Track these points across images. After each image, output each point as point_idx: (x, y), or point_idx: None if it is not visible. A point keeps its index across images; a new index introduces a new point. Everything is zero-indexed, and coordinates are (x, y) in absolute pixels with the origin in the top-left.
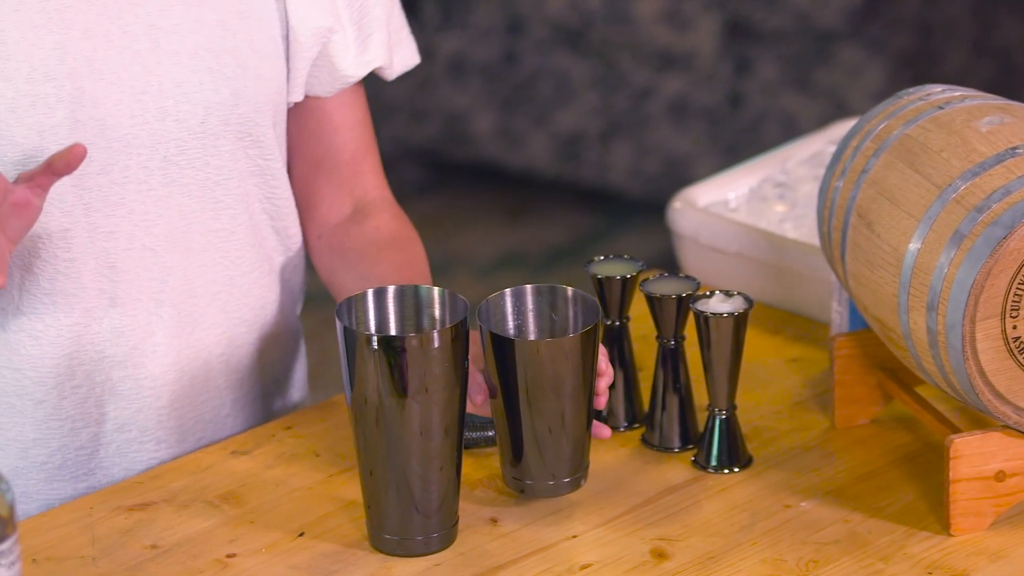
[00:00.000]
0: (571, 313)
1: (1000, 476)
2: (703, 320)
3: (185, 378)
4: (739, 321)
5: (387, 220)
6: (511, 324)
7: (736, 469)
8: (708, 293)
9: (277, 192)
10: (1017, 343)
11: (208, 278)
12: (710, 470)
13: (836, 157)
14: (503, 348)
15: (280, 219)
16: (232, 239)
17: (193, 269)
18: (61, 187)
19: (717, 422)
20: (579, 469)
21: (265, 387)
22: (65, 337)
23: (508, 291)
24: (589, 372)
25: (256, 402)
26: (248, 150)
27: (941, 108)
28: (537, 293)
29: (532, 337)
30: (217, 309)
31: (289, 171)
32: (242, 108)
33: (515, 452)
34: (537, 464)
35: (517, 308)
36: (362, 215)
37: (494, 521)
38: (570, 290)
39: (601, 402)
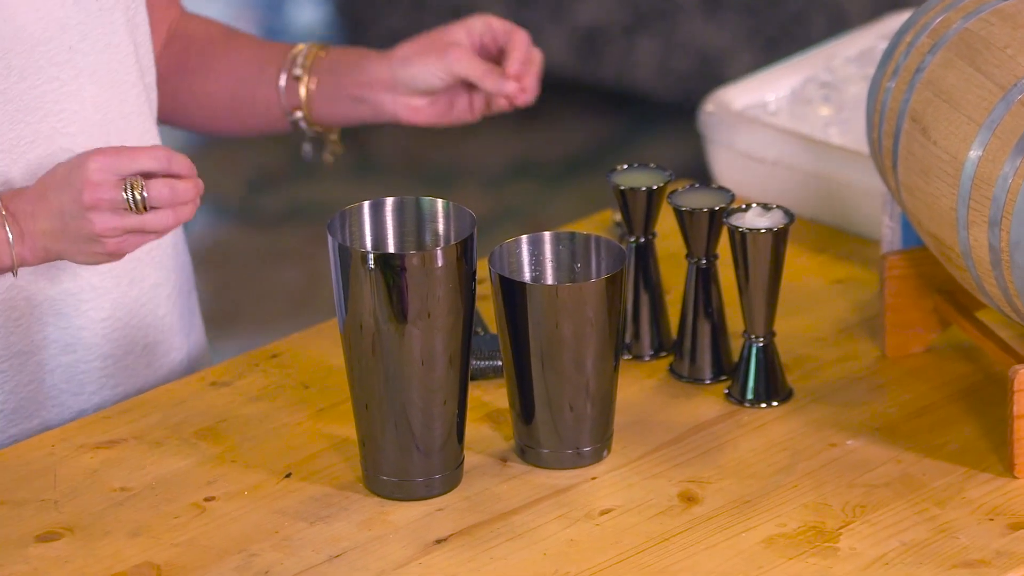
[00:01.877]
0: (594, 262)
1: None
2: (738, 236)
3: (124, 283)
4: (778, 237)
5: (194, 27)
6: (527, 274)
7: (775, 403)
8: (744, 206)
9: (149, 60)
10: None
11: None
12: (746, 404)
13: (888, 54)
14: (515, 295)
15: (150, 86)
16: (140, 121)
17: None
18: None
19: (753, 351)
20: (602, 438)
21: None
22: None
23: (524, 238)
24: (615, 324)
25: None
26: (132, 19)
27: None
28: (556, 240)
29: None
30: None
31: None
32: None
33: (526, 417)
34: (551, 432)
35: (534, 256)
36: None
37: (503, 461)
38: (593, 236)
39: (517, 95)
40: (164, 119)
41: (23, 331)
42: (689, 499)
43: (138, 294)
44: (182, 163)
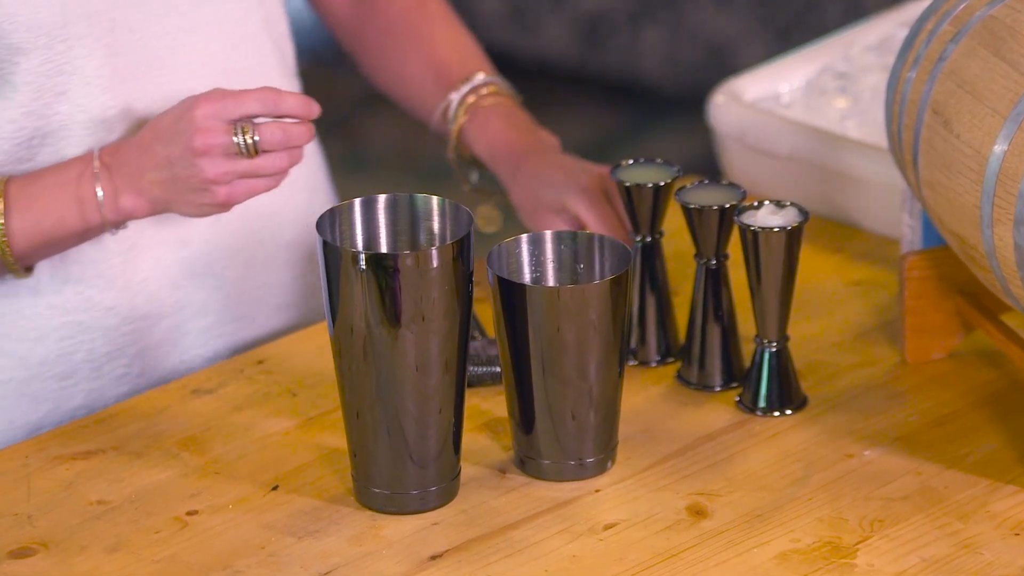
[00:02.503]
0: (597, 262)
1: None
2: (750, 235)
3: (252, 242)
4: (792, 236)
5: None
6: (528, 276)
7: (788, 411)
8: (756, 204)
9: (279, 11)
10: None
11: None
12: (757, 412)
13: (908, 43)
14: (515, 297)
15: (281, 36)
16: (265, 75)
17: None
18: (96, 62)
19: (766, 356)
20: (606, 449)
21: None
22: (126, 229)
23: (524, 237)
24: (620, 328)
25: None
26: None
27: None
28: (558, 239)
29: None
30: None
31: None
32: None
33: (526, 426)
34: (553, 441)
35: (535, 256)
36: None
37: (502, 473)
38: (596, 235)
39: None
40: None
41: (149, 294)
42: (698, 513)
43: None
44: (292, 104)
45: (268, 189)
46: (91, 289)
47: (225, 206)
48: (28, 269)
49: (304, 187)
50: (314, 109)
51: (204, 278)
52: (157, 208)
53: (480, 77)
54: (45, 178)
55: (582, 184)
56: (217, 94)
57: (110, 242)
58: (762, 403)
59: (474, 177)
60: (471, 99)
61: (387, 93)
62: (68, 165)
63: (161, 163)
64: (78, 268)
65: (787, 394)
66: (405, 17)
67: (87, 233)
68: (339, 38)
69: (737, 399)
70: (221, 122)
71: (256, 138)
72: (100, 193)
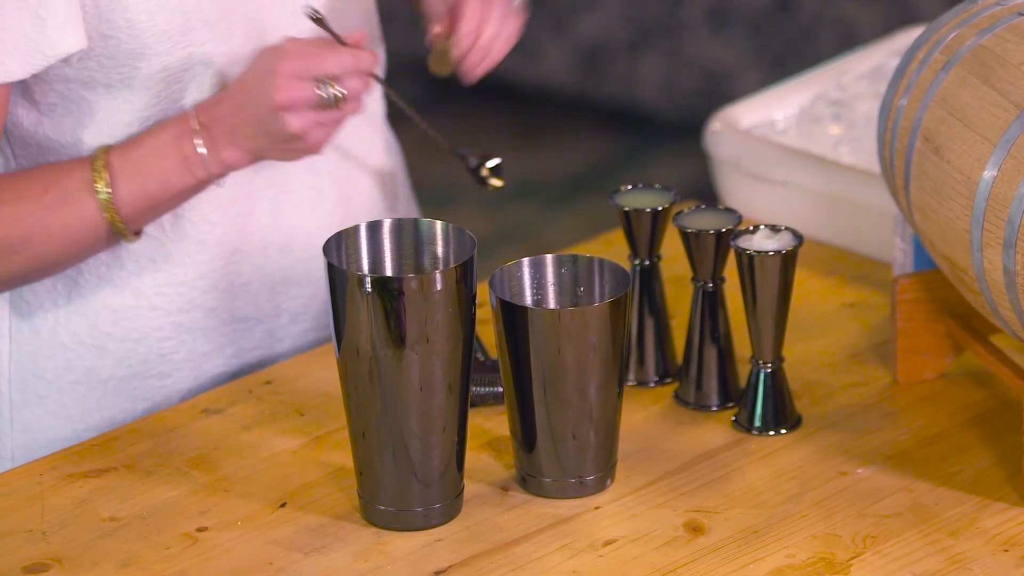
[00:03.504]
0: (597, 285)
1: None
2: (746, 259)
3: None
4: (787, 260)
5: None
6: (529, 298)
7: (783, 431)
8: (751, 228)
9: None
10: None
11: (355, 138)
12: (753, 432)
13: (900, 71)
14: (516, 319)
15: (374, 41)
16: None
17: (341, 131)
18: (215, 68)
19: (761, 376)
20: (605, 467)
21: None
22: (231, 232)
23: (525, 260)
24: (619, 350)
25: None
26: None
27: (1022, 15)
28: (558, 263)
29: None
30: (369, 171)
31: None
32: None
33: (528, 444)
34: (554, 460)
35: (536, 279)
36: None
37: (504, 490)
38: (596, 259)
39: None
40: None
41: (251, 297)
42: (695, 529)
43: None
44: (368, 61)
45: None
46: (194, 291)
47: (316, 148)
48: (137, 233)
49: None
50: (380, 61)
51: (302, 286)
52: (256, 157)
53: None
54: (145, 143)
55: None
56: (298, 53)
57: (215, 245)
58: (758, 422)
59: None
60: None
61: None
62: (165, 127)
63: (251, 120)
64: (181, 270)
65: (782, 413)
66: None
67: (193, 189)
68: None
69: (733, 419)
70: (303, 80)
71: (343, 92)
72: (203, 150)
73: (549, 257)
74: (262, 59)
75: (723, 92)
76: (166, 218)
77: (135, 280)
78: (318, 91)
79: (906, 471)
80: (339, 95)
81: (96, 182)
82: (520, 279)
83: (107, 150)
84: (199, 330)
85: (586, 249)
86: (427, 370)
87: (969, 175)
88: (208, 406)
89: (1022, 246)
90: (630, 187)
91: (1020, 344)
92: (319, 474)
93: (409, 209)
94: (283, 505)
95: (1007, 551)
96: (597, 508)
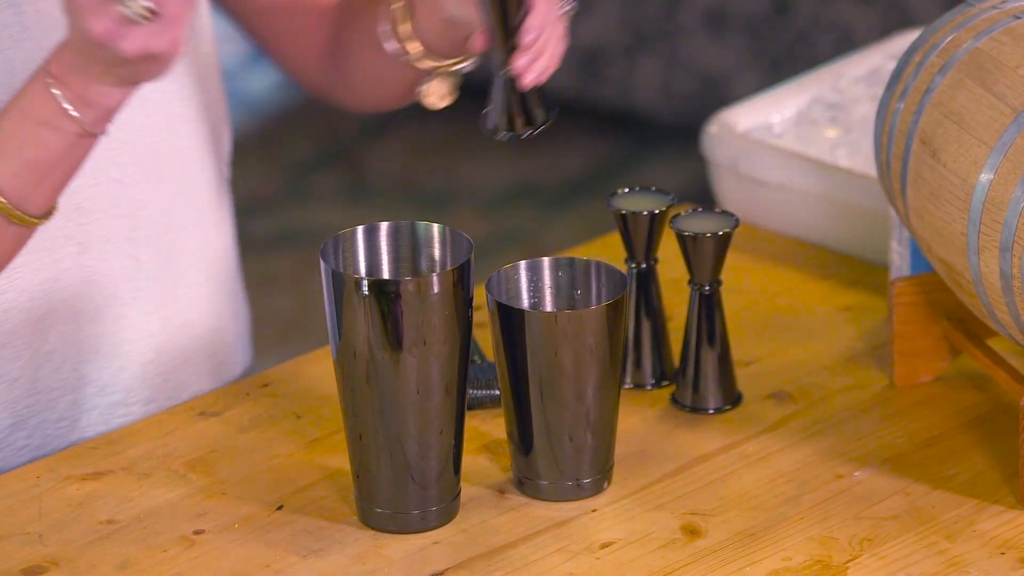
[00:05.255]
0: (594, 288)
1: None
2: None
3: (172, 326)
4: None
5: None
6: (526, 301)
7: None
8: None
9: (213, 89)
10: None
11: (183, 207)
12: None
13: (896, 74)
14: (513, 322)
15: (218, 122)
16: (195, 157)
17: (167, 199)
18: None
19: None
20: (602, 469)
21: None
22: (36, 299)
23: (522, 263)
24: (616, 352)
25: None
26: (190, 41)
27: (1018, 18)
28: (555, 266)
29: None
30: (198, 243)
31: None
32: None
33: (525, 447)
34: (551, 463)
35: (532, 283)
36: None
37: (501, 493)
38: (593, 262)
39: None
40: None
41: (55, 367)
42: (692, 532)
43: (187, 336)
44: None
45: (171, 45)
46: None
47: (139, 65)
48: (46, 214)
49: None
50: None
51: (111, 357)
52: (125, 91)
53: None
54: (6, 113)
55: None
56: None
57: (20, 313)
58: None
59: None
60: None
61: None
62: (21, 93)
63: (74, 49)
64: None
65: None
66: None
67: (77, 146)
68: (311, 85)
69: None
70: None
71: (149, 6)
72: (60, 95)
73: (546, 260)
74: None
75: (720, 95)
76: None
77: None
78: (121, 9)
79: (903, 474)
80: (145, 12)
81: None
82: (517, 282)
83: None
84: (2, 400)
85: (583, 252)
86: (424, 373)
87: (965, 178)
88: (205, 409)
89: (1019, 249)
90: (627, 190)
91: (1017, 347)
92: (316, 477)
93: (235, 289)
94: (280, 508)
95: (1004, 554)
96: (594, 511)
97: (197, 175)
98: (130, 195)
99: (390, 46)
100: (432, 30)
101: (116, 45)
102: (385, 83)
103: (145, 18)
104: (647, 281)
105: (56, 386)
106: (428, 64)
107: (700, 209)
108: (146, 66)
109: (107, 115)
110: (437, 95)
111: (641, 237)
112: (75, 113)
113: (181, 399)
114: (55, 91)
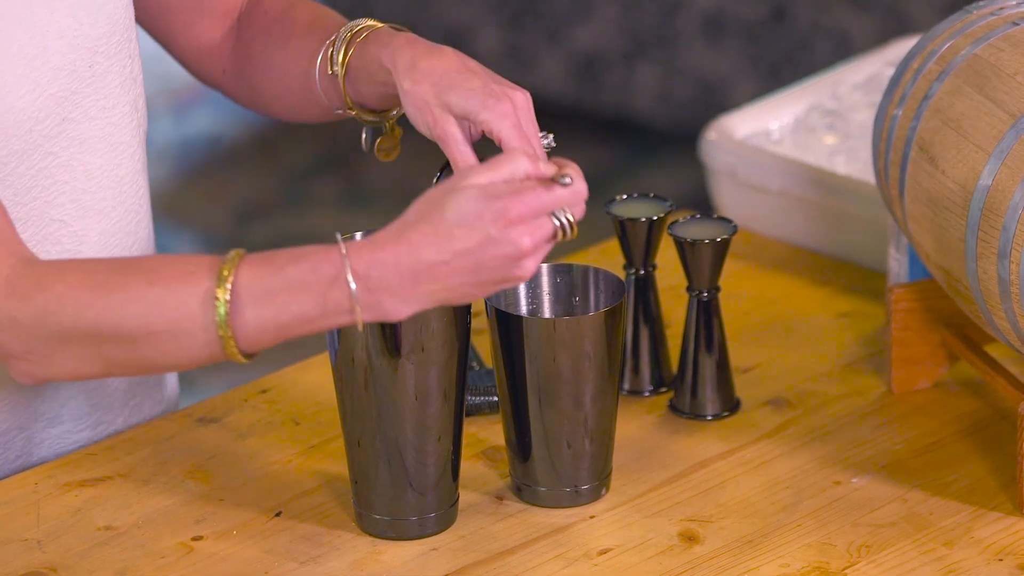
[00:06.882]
0: (592, 294)
1: None
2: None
3: None
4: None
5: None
6: (524, 308)
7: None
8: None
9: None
10: None
11: (123, 236)
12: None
13: (895, 81)
14: (512, 329)
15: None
16: (132, 182)
17: (109, 229)
18: None
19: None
20: (600, 476)
21: None
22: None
23: None
24: (614, 359)
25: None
26: (131, 74)
27: (1016, 24)
28: (554, 272)
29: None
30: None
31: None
32: (117, 29)
33: (523, 454)
34: (549, 469)
35: (531, 289)
36: (245, 15)
37: (499, 499)
38: (591, 268)
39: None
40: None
41: (8, 411)
42: (690, 538)
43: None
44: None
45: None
46: None
47: (525, 276)
48: (249, 356)
49: None
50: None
51: (57, 387)
52: (424, 308)
53: (361, 22)
54: (287, 272)
55: (504, 109)
56: (517, 190)
57: None
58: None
59: (368, 137)
60: (350, 34)
61: (278, 105)
62: (317, 264)
63: (460, 269)
64: None
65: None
66: (272, 25)
67: (330, 326)
68: (222, 85)
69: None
70: (539, 218)
71: (571, 217)
72: (359, 310)
73: (545, 266)
74: (449, 194)
75: (718, 102)
76: None
77: None
78: (555, 220)
79: (901, 481)
80: (570, 220)
81: (217, 297)
82: (515, 288)
83: (240, 260)
84: None
85: (581, 258)
86: (422, 379)
87: (964, 185)
88: (204, 415)
89: (1016, 256)
90: (625, 197)
91: (1015, 354)
92: (314, 483)
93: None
94: (278, 514)
95: (1001, 560)
96: (592, 517)
97: (136, 201)
98: (72, 231)
99: (325, 96)
100: (370, 93)
101: (528, 260)
102: (299, 109)
103: (564, 229)
104: (645, 287)
105: (9, 429)
106: (366, 118)
107: (698, 216)
108: (521, 278)
109: (379, 322)
110: (383, 151)
111: (639, 244)
112: (362, 317)
113: (132, 421)
114: (355, 301)
